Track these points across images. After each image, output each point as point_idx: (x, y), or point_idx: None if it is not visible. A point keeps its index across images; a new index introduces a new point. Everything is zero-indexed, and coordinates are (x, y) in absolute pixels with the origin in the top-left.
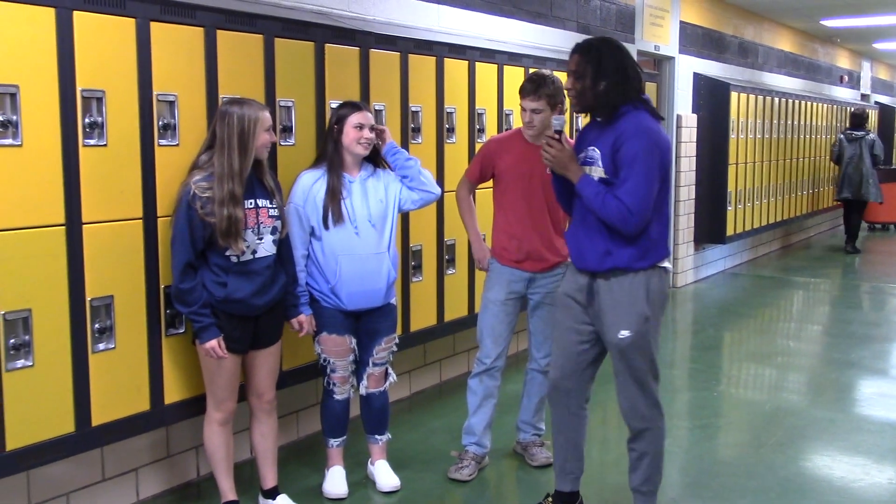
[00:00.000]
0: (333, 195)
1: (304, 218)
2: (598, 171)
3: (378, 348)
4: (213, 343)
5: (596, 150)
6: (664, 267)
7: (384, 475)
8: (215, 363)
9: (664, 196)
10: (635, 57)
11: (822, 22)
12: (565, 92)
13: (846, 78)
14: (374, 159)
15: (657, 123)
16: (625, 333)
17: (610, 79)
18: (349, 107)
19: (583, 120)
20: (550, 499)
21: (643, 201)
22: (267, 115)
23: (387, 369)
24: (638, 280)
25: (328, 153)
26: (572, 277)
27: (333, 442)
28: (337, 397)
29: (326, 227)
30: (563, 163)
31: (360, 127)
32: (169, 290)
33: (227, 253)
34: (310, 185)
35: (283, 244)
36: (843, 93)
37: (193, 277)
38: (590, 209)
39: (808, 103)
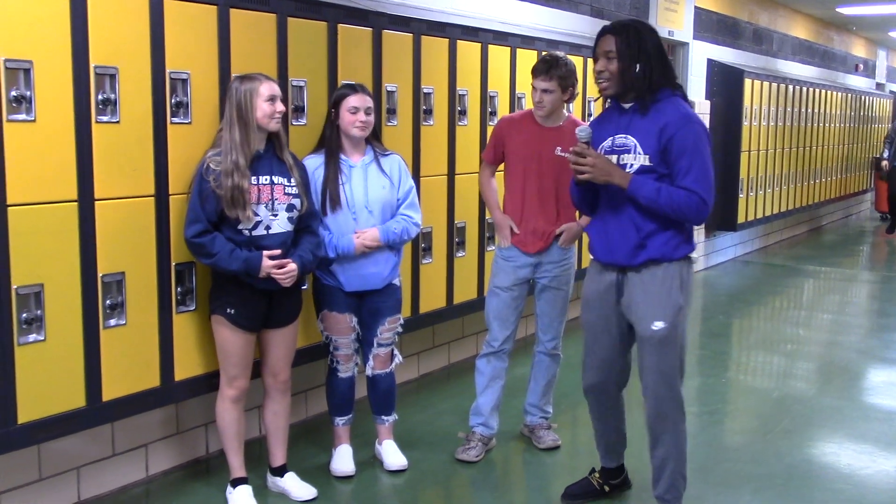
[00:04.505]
0: (331, 181)
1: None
2: (632, 159)
3: (382, 328)
4: (267, 263)
5: (629, 137)
6: (691, 258)
7: (391, 455)
8: (228, 339)
9: None
10: None
11: (837, 9)
12: (596, 75)
13: (861, 66)
14: (376, 140)
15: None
16: (659, 325)
17: (650, 61)
18: (346, 88)
19: (595, 108)
20: (597, 473)
21: (712, 187)
22: (265, 85)
23: (392, 350)
24: (672, 270)
25: (326, 137)
26: (597, 276)
27: (339, 420)
28: (341, 375)
29: (325, 213)
30: (605, 170)
31: (356, 111)
32: (180, 268)
33: (239, 227)
34: (311, 171)
35: (303, 220)
36: (858, 81)
37: (210, 234)
38: (652, 208)
39: (823, 91)
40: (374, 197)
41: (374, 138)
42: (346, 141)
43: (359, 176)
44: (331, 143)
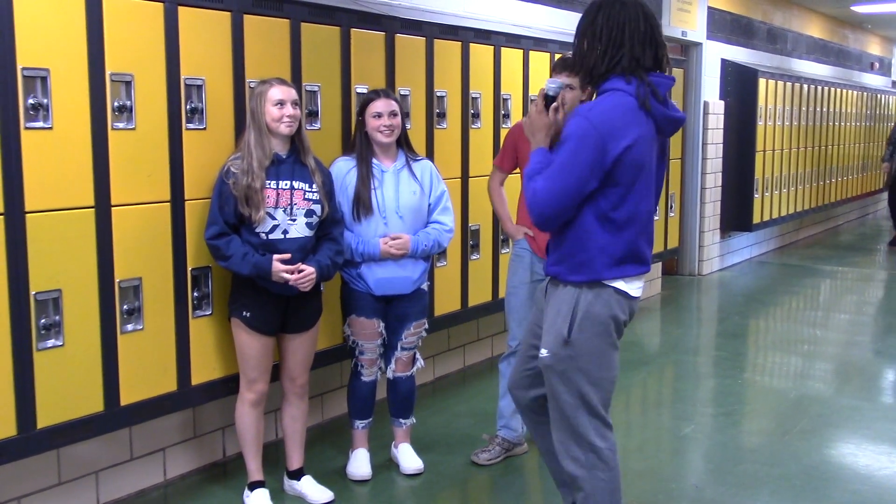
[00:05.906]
0: (363, 185)
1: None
2: None
3: (407, 333)
4: (277, 266)
5: None
6: (615, 287)
7: (408, 458)
8: (245, 342)
9: (623, 200)
10: None
11: (852, 8)
12: None
13: (877, 65)
14: (407, 146)
15: (630, 108)
16: (544, 353)
17: (597, 41)
18: (372, 94)
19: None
20: None
21: (556, 191)
22: (274, 89)
23: (415, 354)
24: (568, 295)
25: (358, 141)
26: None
27: (359, 424)
28: (364, 379)
29: (357, 219)
30: (534, 128)
31: (379, 115)
32: (196, 272)
33: (256, 229)
34: (344, 174)
35: (325, 227)
36: (874, 80)
37: (227, 237)
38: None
39: (838, 90)
40: (404, 202)
41: (405, 143)
42: (376, 145)
43: (391, 181)
44: (362, 147)
